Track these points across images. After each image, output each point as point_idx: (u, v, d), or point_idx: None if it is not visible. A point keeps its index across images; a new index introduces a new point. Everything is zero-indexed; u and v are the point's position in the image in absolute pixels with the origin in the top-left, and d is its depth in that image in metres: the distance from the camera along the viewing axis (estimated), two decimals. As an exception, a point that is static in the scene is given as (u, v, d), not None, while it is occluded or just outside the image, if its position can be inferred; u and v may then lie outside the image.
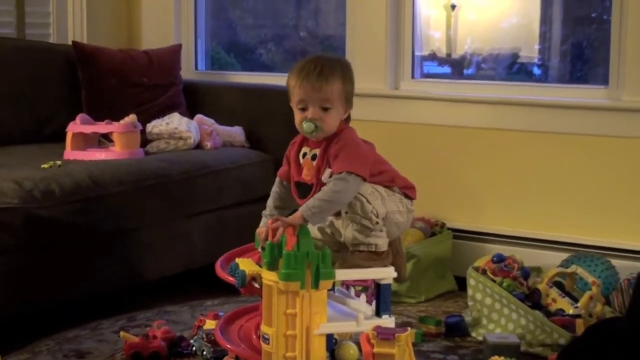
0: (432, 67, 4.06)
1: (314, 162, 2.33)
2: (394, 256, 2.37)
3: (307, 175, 2.35)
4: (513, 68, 3.97)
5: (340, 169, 2.24)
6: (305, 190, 2.34)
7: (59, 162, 3.15)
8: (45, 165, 3.10)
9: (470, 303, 3.08)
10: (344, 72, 2.34)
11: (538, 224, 3.56)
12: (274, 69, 4.47)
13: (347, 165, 2.25)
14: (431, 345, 2.93)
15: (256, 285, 2.30)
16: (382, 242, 2.31)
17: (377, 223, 2.27)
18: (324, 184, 2.28)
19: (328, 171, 2.28)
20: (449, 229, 3.65)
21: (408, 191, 2.38)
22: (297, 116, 2.32)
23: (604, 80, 3.53)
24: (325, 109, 2.29)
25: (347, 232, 2.29)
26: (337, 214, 2.31)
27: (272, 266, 2.20)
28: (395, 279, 2.36)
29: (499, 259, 3.10)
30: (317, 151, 2.34)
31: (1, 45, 3.74)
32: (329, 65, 2.31)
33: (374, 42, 3.85)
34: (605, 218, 3.46)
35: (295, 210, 2.28)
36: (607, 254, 3.37)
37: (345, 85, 2.32)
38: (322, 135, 2.31)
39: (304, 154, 2.37)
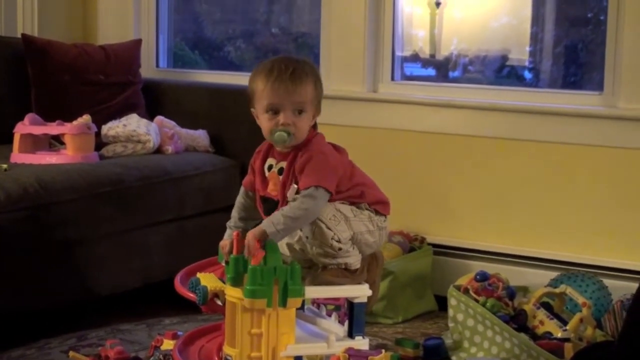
0: (415, 69, 4.08)
1: (281, 177, 2.35)
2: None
3: (272, 190, 2.36)
4: (502, 71, 4.00)
5: (306, 184, 2.26)
6: (271, 206, 2.36)
7: (5, 166, 3.14)
8: (-10, 169, 3.10)
9: (451, 324, 3.09)
10: (315, 74, 2.37)
11: (525, 240, 3.59)
12: (243, 68, 4.47)
13: (313, 179, 2.26)
14: (408, 370, 2.95)
15: (219, 302, 2.31)
16: (352, 261, 2.33)
17: (340, 249, 2.29)
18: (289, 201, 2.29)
19: (294, 187, 2.30)
20: (429, 244, 3.67)
21: (379, 207, 2.39)
22: (267, 123, 2.32)
23: (600, 86, 3.56)
24: (300, 112, 2.31)
25: (313, 253, 2.32)
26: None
27: (236, 282, 2.21)
28: None
29: (483, 277, 3.12)
30: (284, 164, 2.35)
31: (-58, 37, 3.74)
32: (300, 66, 2.34)
33: (350, 40, 3.86)
34: (598, 234, 3.49)
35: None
36: (599, 273, 3.40)
37: (317, 88, 2.36)
38: (293, 143, 2.32)
39: (270, 167, 2.39)
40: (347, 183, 2.34)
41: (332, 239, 2.27)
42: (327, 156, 2.33)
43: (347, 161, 2.39)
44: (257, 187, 2.40)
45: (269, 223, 2.24)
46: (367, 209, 2.36)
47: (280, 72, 2.31)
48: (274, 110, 2.31)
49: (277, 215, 2.25)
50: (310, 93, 2.32)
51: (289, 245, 2.39)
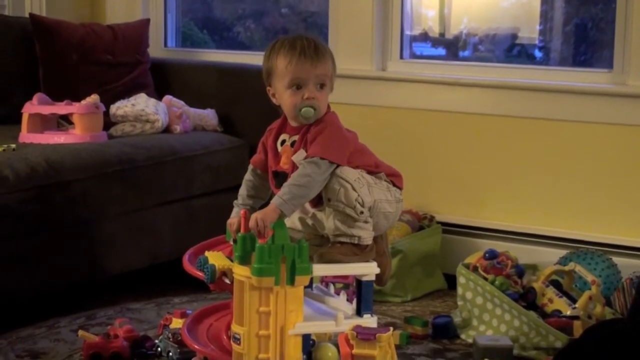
0: (426, 49, 4.07)
1: (293, 149, 2.35)
2: (378, 256, 2.38)
3: (285, 164, 2.37)
4: (513, 50, 3.99)
5: (313, 153, 2.27)
6: (282, 179, 2.35)
7: (13, 146, 3.15)
8: (-1, 149, 3.10)
9: (459, 303, 3.10)
10: (330, 51, 2.40)
11: (534, 218, 3.59)
12: (252, 48, 4.47)
13: (321, 150, 2.27)
14: (417, 348, 2.95)
15: (227, 280, 2.32)
16: (366, 235, 2.32)
17: (362, 213, 2.28)
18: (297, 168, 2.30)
19: (302, 152, 2.30)
20: (438, 222, 3.67)
21: (395, 179, 2.40)
22: (291, 98, 2.33)
23: (610, 64, 3.55)
24: (322, 87, 2.33)
25: (329, 221, 2.31)
26: (319, 203, 2.33)
27: (244, 260, 2.21)
28: (377, 282, 2.37)
29: (492, 255, 3.13)
30: (297, 137, 2.36)
31: (-50, 17, 3.74)
32: (319, 42, 2.37)
33: (359, 18, 3.85)
34: (607, 212, 3.49)
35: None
36: (608, 251, 3.39)
37: (334, 64, 2.39)
38: (315, 118, 2.33)
39: (283, 141, 2.39)
40: (360, 156, 2.35)
41: (356, 200, 2.27)
42: (341, 129, 2.35)
43: (357, 143, 2.40)
44: (270, 163, 2.41)
45: (276, 197, 2.24)
46: (385, 180, 2.37)
47: (304, 47, 2.33)
48: (298, 86, 2.32)
49: (283, 187, 2.26)
50: (330, 68, 2.36)
51: (302, 220, 2.40)
